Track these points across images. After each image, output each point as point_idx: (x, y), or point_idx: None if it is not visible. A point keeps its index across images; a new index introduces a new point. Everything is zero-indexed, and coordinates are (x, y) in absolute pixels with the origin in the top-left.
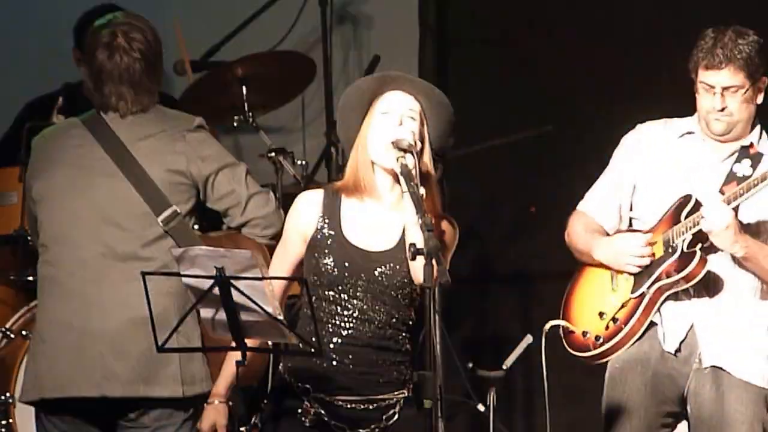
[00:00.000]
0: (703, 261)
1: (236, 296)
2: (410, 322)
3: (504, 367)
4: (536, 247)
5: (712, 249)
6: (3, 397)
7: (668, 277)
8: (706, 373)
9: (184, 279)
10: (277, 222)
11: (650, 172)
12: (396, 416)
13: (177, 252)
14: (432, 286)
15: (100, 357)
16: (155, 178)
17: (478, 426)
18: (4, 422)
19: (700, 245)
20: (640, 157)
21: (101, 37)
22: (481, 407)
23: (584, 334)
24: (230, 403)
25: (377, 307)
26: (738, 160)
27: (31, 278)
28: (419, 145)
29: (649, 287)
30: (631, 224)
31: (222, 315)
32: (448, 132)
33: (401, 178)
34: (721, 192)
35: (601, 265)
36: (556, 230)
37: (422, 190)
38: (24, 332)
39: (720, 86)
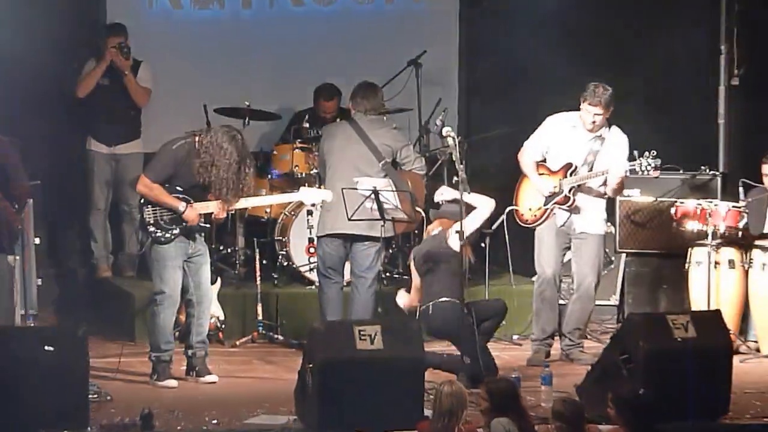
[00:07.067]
0: (564, 199)
1: (382, 198)
2: None
3: (493, 228)
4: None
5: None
6: (283, 239)
7: (559, 204)
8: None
9: (358, 188)
10: (421, 169)
11: (555, 142)
12: None
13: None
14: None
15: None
16: (377, 146)
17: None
18: (284, 251)
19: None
20: (552, 133)
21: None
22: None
23: (522, 215)
24: None
25: None
26: (594, 140)
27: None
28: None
29: (551, 206)
30: (545, 161)
31: (375, 205)
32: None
33: None
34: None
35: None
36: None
37: None
38: (291, 213)
39: (594, 114)
